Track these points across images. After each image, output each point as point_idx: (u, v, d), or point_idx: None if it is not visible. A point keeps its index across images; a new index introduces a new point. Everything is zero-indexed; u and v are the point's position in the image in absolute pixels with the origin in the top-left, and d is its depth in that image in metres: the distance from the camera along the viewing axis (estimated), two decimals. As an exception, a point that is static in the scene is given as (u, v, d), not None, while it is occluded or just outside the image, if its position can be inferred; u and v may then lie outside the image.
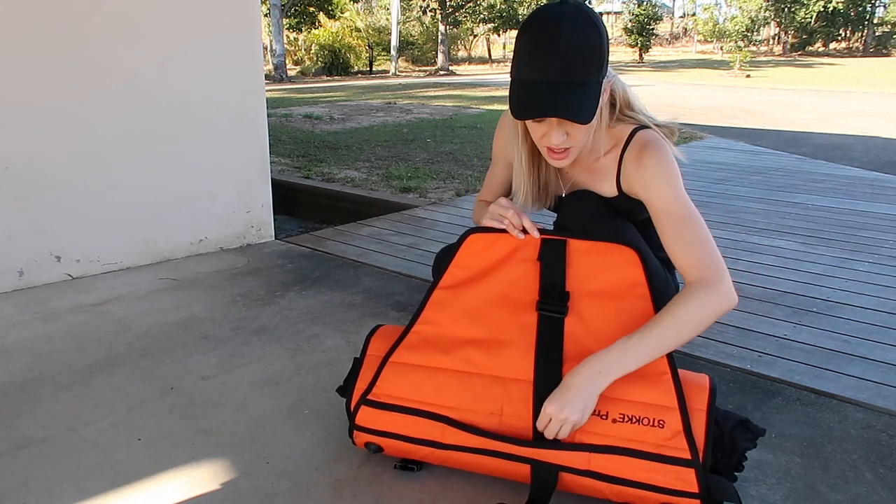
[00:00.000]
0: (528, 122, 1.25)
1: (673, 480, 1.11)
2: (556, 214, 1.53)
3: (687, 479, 1.10)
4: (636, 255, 1.19)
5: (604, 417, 1.14)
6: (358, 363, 1.32)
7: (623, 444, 1.13)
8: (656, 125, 1.37)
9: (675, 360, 1.74)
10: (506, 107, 1.40)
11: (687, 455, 1.10)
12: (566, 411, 1.12)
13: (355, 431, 1.29)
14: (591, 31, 1.15)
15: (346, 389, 1.32)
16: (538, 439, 1.16)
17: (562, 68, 1.14)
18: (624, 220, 1.42)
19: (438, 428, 1.21)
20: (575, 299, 1.21)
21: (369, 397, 1.26)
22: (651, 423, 1.12)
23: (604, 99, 1.24)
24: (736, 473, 1.19)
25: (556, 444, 1.15)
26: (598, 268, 1.21)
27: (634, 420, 1.13)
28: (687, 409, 1.12)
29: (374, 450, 1.30)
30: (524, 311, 1.23)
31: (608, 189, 1.39)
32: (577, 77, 1.15)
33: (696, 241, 1.20)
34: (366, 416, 1.26)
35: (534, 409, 1.17)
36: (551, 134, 1.21)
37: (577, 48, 1.14)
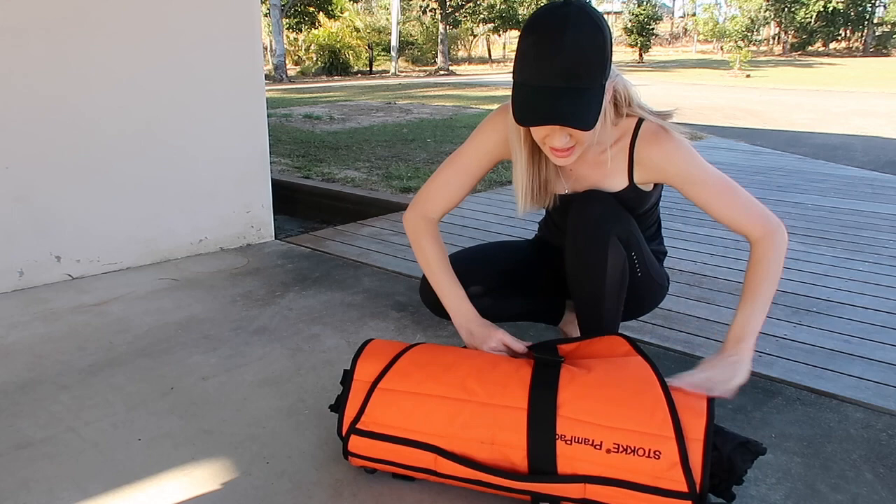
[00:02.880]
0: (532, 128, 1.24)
1: None
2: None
3: None
4: (624, 341, 1.26)
5: (598, 447, 1.11)
6: (347, 382, 1.29)
7: (618, 475, 1.10)
8: (655, 114, 1.37)
9: (675, 360, 1.74)
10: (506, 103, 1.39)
11: (684, 488, 1.07)
12: (739, 379, 1.22)
13: (349, 456, 1.28)
14: (595, 34, 1.13)
15: (337, 408, 1.31)
16: (533, 472, 1.14)
17: (565, 74, 1.12)
18: (629, 216, 1.42)
19: (431, 457, 1.19)
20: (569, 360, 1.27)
21: (358, 426, 1.24)
22: (646, 454, 1.09)
23: (607, 99, 1.23)
24: (735, 489, 1.17)
25: (550, 476, 1.13)
26: (590, 353, 1.29)
27: (629, 451, 1.10)
28: (684, 439, 1.09)
29: (369, 471, 1.30)
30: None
31: (618, 182, 1.38)
32: (580, 82, 1.14)
33: (745, 203, 1.34)
34: (357, 444, 1.25)
35: (528, 436, 1.14)
36: (554, 137, 1.21)
37: (580, 52, 1.12)
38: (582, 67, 1.13)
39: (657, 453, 1.08)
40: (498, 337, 1.33)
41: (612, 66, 1.23)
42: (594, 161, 1.38)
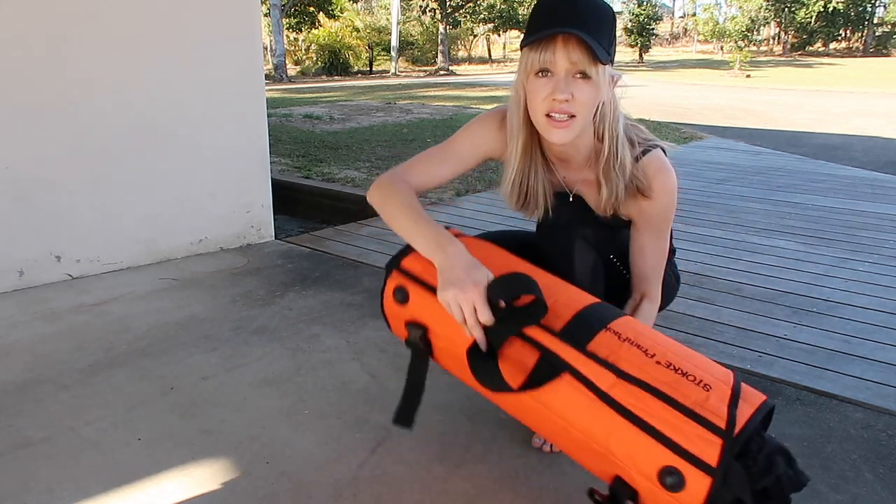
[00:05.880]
0: (533, 84, 1.17)
1: (694, 441, 0.94)
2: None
3: (709, 447, 0.93)
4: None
5: (649, 356, 1.02)
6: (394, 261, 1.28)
7: (660, 386, 0.99)
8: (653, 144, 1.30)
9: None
10: (503, 105, 1.37)
11: (722, 423, 0.94)
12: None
13: (394, 271, 1.24)
14: (610, 12, 1.18)
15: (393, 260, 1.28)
16: (563, 333, 1.07)
17: (582, 18, 1.13)
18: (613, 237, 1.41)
19: None
20: None
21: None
22: (697, 382, 0.99)
23: (608, 86, 1.20)
24: None
25: (587, 351, 1.04)
26: None
27: (681, 372, 1.00)
28: (739, 395, 0.98)
29: (400, 298, 1.24)
30: None
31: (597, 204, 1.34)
32: (593, 30, 1.13)
33: (661, 264, 1.37)
34: (411, 263, 1.22)
35: (581, 308, 1.11)
36: (558, 88, 1.14)
37: (597, 14, 1.15)
38: (594, 21, 1.14)
39: (708, 386, 0.99)
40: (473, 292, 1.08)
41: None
42: (587, 180, 1.33)
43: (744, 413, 0.96)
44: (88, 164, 2.42)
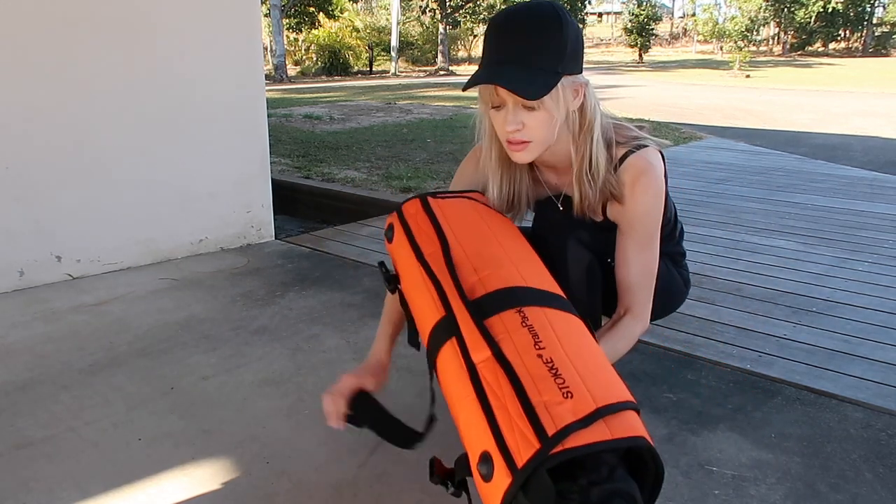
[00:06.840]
0: (493, 116, 1.22)
1: (517, 437, 0.87)
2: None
3: (525, 448, 0.85)
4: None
5: (537, 346, 0.97)
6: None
7: (521, 375, 0.93)
8: (643, 145, 1.29)
9: (675, 360, 1.73)
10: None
11: (551, 431, 0.85)
12: None
13: (395, 212, 1.31)
14: (552, 23, 1.15)
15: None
16: (471, 304, 1.05)
17: (514, 49, 1.15)
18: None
19: (436, 246, 1.18)
20: None
21: (429, 198, 1.30)
22: (562, 386, 0.90)
23: (568, 94, 1.19)
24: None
25: (481, 324, 1.02)
26: None
27: (554, 372, 0.93)
28: (608, 415, 0.88)
29: (389, 237, 1.32)
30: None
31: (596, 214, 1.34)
32: (529, 60, 1.14)
33: (647, 285, 1.32)
34: (410, 209, 1.28)
35: (500, 288, 1.08)
36: (506, 120, 1.19)
37: (534, 35, 1.15)
38: (532, 49, 1.14)
39: (570, 395, 0.89)
40: (341, 387, 1.31)
41: (584, 73, 1.22)
42: (569, 177, 1.33)
43: (591, 435, 0.86)
44: (88, 164, 2.42)
